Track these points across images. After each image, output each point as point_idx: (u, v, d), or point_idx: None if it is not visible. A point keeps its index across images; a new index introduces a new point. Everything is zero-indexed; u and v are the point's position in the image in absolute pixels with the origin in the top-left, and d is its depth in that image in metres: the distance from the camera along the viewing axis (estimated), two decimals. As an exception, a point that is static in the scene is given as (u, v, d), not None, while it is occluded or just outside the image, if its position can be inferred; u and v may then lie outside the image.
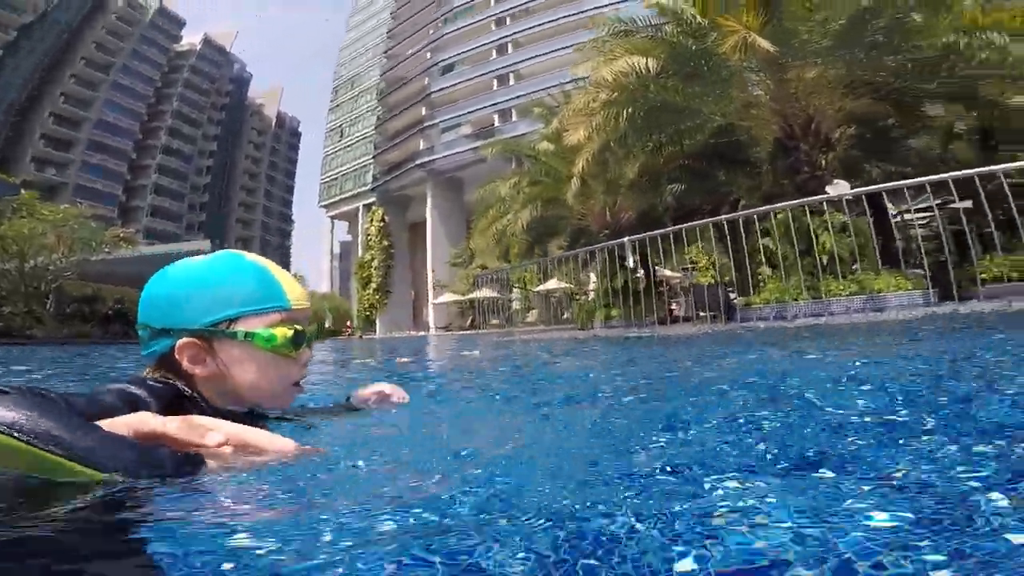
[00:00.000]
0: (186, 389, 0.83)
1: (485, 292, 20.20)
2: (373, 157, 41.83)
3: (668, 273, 14.81)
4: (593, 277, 14.10)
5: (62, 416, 0.55)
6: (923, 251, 8.00)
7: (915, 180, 6.21)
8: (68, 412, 0.57)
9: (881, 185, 6.65)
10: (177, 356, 0.81)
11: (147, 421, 0.62)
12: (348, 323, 33.97)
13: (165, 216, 51.77)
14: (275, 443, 0.66)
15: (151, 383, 0.80)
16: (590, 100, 8.83)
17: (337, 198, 44.30)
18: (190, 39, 58.28)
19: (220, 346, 0.83)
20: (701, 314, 10.24)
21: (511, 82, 34.96)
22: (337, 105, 48.21)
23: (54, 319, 17.45)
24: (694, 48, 7.72)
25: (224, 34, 63.46)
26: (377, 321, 37.26)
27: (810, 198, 6.67)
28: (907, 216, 10.99)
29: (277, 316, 0.85)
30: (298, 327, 0.88)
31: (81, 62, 46.37)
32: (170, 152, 52.94)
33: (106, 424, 0.60)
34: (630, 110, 8.17)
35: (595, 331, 10.51)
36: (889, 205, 9.97)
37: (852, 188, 6.71)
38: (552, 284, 17.07)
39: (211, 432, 0.62)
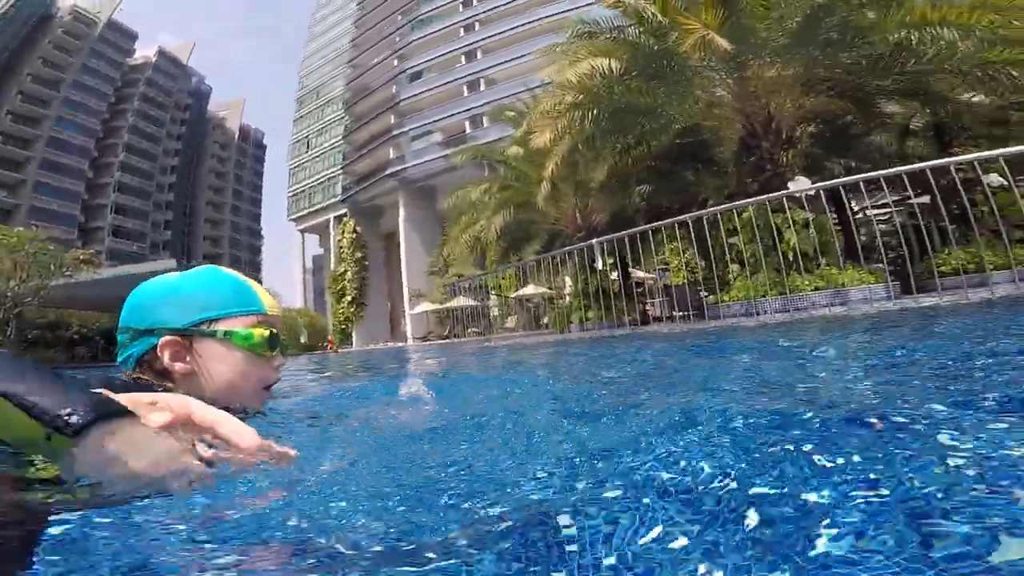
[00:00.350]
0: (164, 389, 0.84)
1: (462, 300, 19.98)
2: (342, 168, 41.16)
3: (642, 274, 14.92)
4: (569, 281, 14.07)
5: None
6: (884, 246, 8.18)
7: (869, 175, 6.31)
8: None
9: (838, 180, 6.74)
10: (159, 353, 0.85)
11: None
12: (330, 337, 33.07)
13: (128, 236, 49.85)
14: (246, 436, 0.57)
15: (129, 381, 0.82)
16: (556, 103, 8.78)
17: (306, 211, 43.37)
18: (144, 52, 56.28)
19: (200, 344, 0.88)
20: (676, 314, 10.28)
21: (481, 88, 34.91)
22: (302, 116, 47.34)
23: (16, 346, 16.76)
24: (656, 48, 7.72)
25: (180, 47, 61.75)
26: (354, 334, 36.56)
27: (771, 194, 6.71)
28: (868, 212, 11.32)
29: (254, 319, 0.92)
30: (273, 330, 0.94)
31: (28, 78, 44.35)
32: (129, 169, 51.04)
33: None
34: (595, 112, 8.13)
35: (571, 334, 10.44)
36: (852, 203, 10.24)
37: (815, 187, 6.79)
38: (529, 290, 16.99)
39: (153, 413, 0.52)
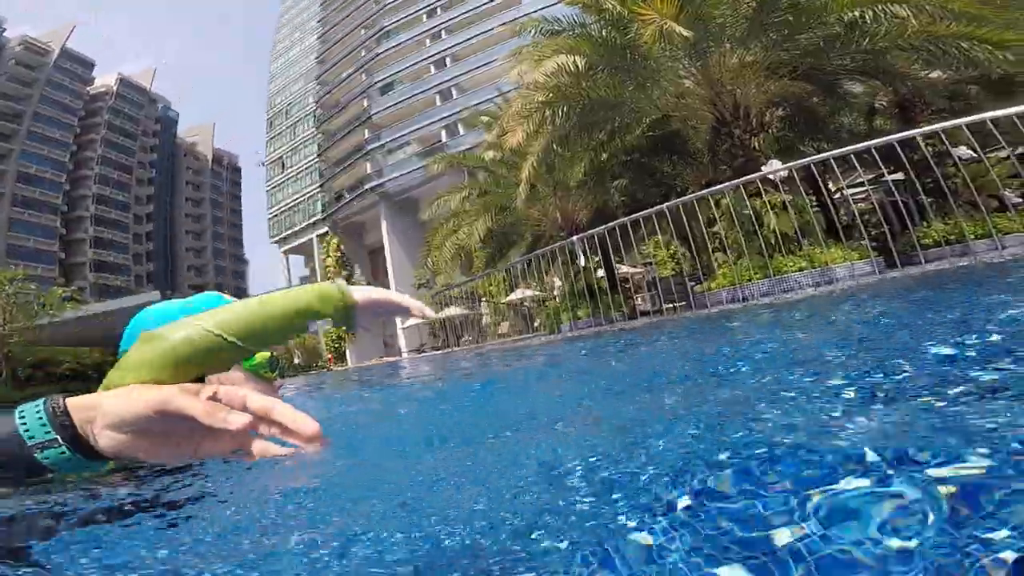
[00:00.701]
0: None
1: (453, 310, 19.88)
2: (320, 186, 40.81)
3: (629, 269, 14.96)
4: (558, 282, 14.06)
5: None
6: (864, 224, 8.29)
7: (838, 151, 6.38)
8: None
9: (808, 159, 6.82)
10: None
11: (173, 398, 0.52)
12: (330, 356, 33.40)
13: (110, 270, 48.88)
14: (303, 424, 0.54)
15: None
16: (526, 103, 8.77)
17: (288, 232, 42.85)
18: (104, 80, 54.77)
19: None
20: (666, 306, 10.33)
21: (454, 95, 34.87)
22: (273, 136, 46.86)
23: (11, 385, 16.82)
24: (618, 41, 7.74)
25: (142, 72, 60.55)
26: (347, 352, 36.21)
27: (745, 177, 6.77)
28: (846, 192, 11.51)
29: None
30: (274, 352, 0.99)
31: (-13, 113, 43.43)
32: (104, 201, 50.09)
33: (118, 393, 0.53)
34: (565, 109, 8.12)
35: (561, 334, 10.42)
36: (829, 184, 10.39)
37: (786, 167, 6.86)
38: (518, 294, 16.95)
39: (232, 415, 0.53)
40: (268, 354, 0.98)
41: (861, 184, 11.22)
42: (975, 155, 7.07)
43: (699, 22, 6.57)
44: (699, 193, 7.08)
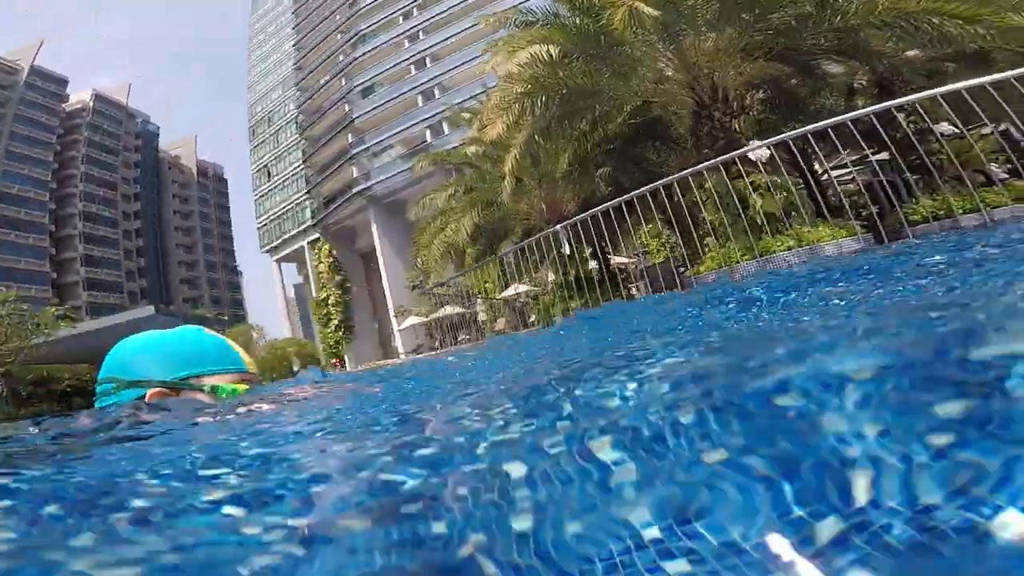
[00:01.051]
0: None
1: (449, 310, 19.86)
2: (307, 192, 40.53)
3: (622, 260, 14.98)
4: (551, 276, 14.05)
5: None
6: (851, 205, 8.30)
7: (817, 125, 6.37)
8: None
9: (788, 134, 6.80)
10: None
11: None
12: (336, 361, 33.72)
13: (103, 288, 48.45)
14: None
15: None
16: (505, 95, 8.73)
17: (278, 240, 42.55)
18: (80, 96, 53.82)
19: (187, 397, 0.96)
20: (660, 294, 10.34)
21: (436, 95, 34.71)
22: (257, 145, 46.43)
23: (13, 403, 17.01)
24: (591, 28, 7.70)
25: (117, 88, 59.64)
26: (345, 357, 36.14)
27: (723, 156, 6.77)
28: (832, 174, 11.55)
29: (237, 376, 1.01)
30: (253, 386, 1.04)
31: (-36, 134, 42.79)
32: (91, 219, 49.60)
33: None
34: (544, 99, 8.08)
35: (553, 328, 10.43)
36: (815, 166, 10.41)
37: (765, 144, 6.86)
38: (512, 291, 16.95)
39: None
40: (247, 388, 1.01)
41: (846, 166, 11.26)
42: (957, 131, 7.09)
43: (669, 4, 6.54)
44: (678, 174, 7.08)
